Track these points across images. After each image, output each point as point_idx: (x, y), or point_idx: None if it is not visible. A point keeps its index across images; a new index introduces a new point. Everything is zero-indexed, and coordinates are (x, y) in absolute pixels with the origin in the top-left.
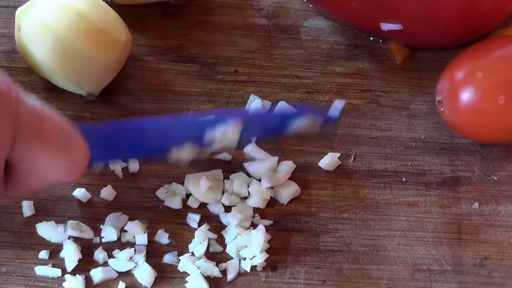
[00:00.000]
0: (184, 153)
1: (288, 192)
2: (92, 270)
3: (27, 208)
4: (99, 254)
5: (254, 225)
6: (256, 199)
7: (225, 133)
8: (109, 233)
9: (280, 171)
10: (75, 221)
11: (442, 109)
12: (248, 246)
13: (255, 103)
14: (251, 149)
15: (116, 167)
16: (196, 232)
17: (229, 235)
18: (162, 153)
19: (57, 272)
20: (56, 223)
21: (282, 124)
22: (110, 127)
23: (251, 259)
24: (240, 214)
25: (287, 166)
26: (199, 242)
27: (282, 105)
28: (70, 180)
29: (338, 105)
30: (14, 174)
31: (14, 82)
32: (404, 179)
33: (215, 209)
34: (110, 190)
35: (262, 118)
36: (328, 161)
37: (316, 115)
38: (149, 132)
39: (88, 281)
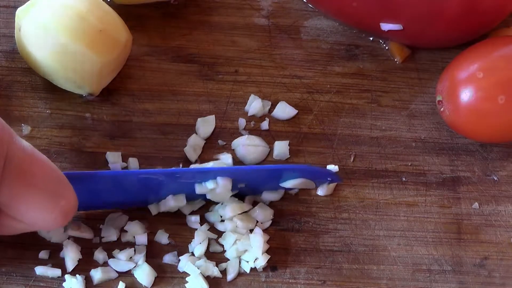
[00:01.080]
0: (172, 203)
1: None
2: (92, 270)
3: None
4: (99, 254)
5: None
6: (261, 215)
7: (215, 189)
8: (109, 233)
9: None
10: (75, 221)
11: (442, 109)
12: (249, 250)
13: (255, 103)
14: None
15: None
16: (196, 232)
17: (228, 241)
18: (146, 203)
19: (57, 272)
20: None
21: (275, 181)
22: (95, 176)
23: (254, 262)
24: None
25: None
26: (199, 242)
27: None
28: (56, 227)
29: (333, 168)
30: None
31: (6, 125)
32: (404, 179)
33: (212, 218)
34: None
35: (255, 175)
36: (326, 189)
37: (313, 175)
38: (133, 182)
39: (88, 281)
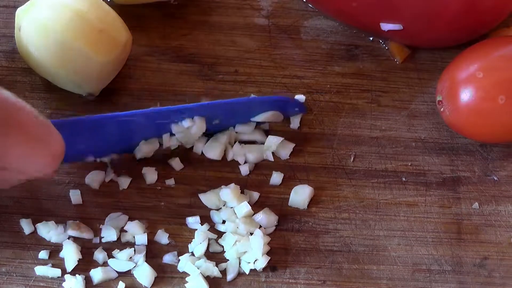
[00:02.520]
0: (150, 146)
1: (304, 197)
2: (92, 270)
3: (26, 224)
4: (99, 254)
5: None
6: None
7: (190, 126)
8: (109, 233)
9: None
10: (75, 221)
11: (442, 109)
12: (249, 251)
13: None
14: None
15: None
16: (196, 232)
17: (228, 242)
18: (129, 146)
19: (57, 272)
20: (56, 223)
21: (246, 113)
22: (76, 121)
23: (254, 263)
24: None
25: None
26: (199, 242)
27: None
28: (48, 174)
29: (300, 98)
30: None
31: None
32: (404, 179)
33: (215, 218)
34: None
35: (225, 107)
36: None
37: (280, 105)
38: (112, 125)
39: (88, 281)
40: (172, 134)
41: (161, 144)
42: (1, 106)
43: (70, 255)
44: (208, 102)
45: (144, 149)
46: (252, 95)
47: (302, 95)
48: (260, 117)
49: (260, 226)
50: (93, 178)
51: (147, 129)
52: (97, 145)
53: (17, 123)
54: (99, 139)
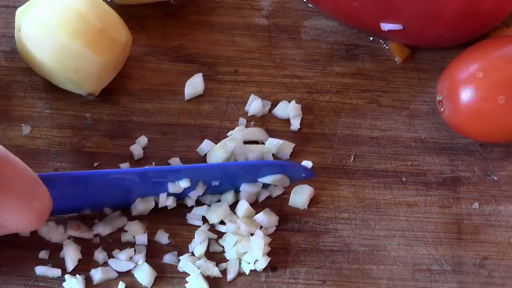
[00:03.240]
0: (146, 204)
1: (305, 197)
2: (92, 270)
3: None
4: (99, 254)
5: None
6: (265, 221)
7: (187, 187)
8: (104, 229)
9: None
10: (75, 221)
11: (442, 109)
12: (249, 252)
13: (255, 103)
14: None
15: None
16: (196, 232)
17: (228, 242)
18: (124, 202)
19: (57, 272)
20: (56, 223)
21: (250, 177)
22: (70, 177)
23: (254, 264)
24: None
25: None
26: (199, 242)
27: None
28: (32, 229)
29: (307, 164)
30: None
31: None
32: (404, 179)
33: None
34: None
35: (228, 170)
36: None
37: (288, 171)
38: (106, 182)
39: (88, 281)
40: (169, 194)
41: (157, 203)
42: None
43: (70, 255)
44: (209, 165)
45: (140, 207)
46: (252, 95)
47: (310, 162)
48: (266, 179)
49: (261, 227)
50: None
51: (142, 187)
52: (91, 200)
53: (3, 176)
54: (92, 194)
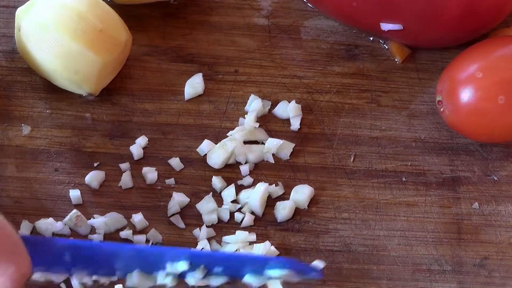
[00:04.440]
0: (136, 280)
1: (305, 197)
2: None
3: (25, 228)
4: None
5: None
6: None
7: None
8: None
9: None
10: (75, 214)
11: (442, 109)
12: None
13: (255, 103)
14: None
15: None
16: (195, 231)
17: (229, 248)
18: (116, 273)
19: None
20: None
21: (257, 269)
22: (56, 243)
23: None
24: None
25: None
26: (200, 241)
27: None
28: None
29: (318, 264)
30: None
31: None
32: (404, 179)
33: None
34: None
35: (234, 262)
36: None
37: (296, 270)
38: (100, 254)
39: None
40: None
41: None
42: None
43: None
44: (212, 253)
45: (136, 280)
46: (252, 95)
47: (321, 263)
48: (274, 273)
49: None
50: (93, 178)
51: (138, 263)
52: (81, 268)
53: None
54: (83, 263)
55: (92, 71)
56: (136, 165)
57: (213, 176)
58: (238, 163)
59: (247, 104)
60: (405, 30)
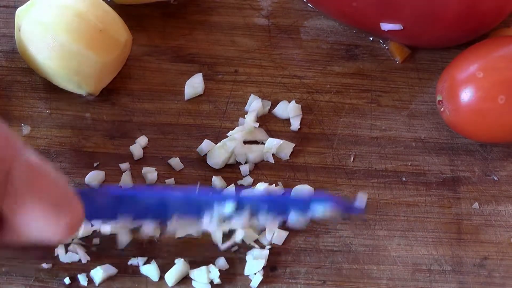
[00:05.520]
0: (185, 224)
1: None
2: (92, 270)
3: None
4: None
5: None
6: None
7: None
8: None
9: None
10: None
11: (442, 109)
12: (249, 261)
13: (255, 103)
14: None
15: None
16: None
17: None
18: (161, 218)
19: (77, 257)
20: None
21: (302, 209)
22: (111, 192)
23: (255, 274)
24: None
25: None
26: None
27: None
28: (58, 241)
29: (362, 197)
30: (3, 227)
31: (13, 140)
32: (404, 179)
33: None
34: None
35: (280, 203)
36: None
37: (339, 205)
38: (149, 200)
39: (89, 281)
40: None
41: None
42: (22, 169)
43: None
44: (258, 195)
45: (178, 226)
46: (252, 95)
47: (365, 195)
48: (317, 211)
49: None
50: (93, 178)
51: (184, 208)
52: (125, 214)
53: (35, 187)
54: (131, 210)
55: (92, 71)
56: (136, 165)
57: (213, 176)
58: (238, 163)
59: (247, 104)
60: (405, 30)
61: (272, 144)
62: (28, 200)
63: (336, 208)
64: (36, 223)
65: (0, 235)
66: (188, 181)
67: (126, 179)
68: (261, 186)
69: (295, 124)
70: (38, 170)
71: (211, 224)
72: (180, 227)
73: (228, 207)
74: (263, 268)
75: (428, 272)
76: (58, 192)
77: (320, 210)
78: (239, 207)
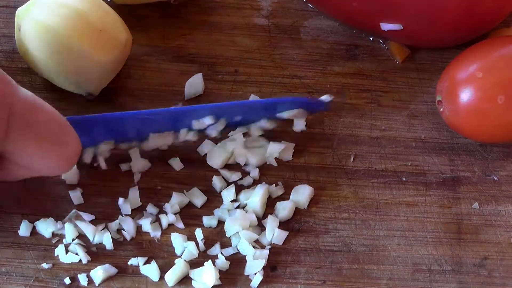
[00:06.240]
0: (165, 139)
1: (305, 197)
2: (92, 270)
3: (24, 228)
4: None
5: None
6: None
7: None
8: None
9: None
10: (75, 214)
11: (442, 109)
12: (249, 261)
13: None
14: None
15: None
16: (196, 230)
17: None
18: (142, 139)
19: (77, 258)
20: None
21: (270, 113)
22: (94, 120)
23: (255, 274)
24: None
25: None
26: (200, 239)
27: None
28: (61, 173)
29: (326, 99)
30: (4, 163)
31: (8, 78)
32: (404, 179)
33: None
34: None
35: (248, 107)
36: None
37: (303, 104)
38: (132, 123)
39: (89, 281)
40: (189, 130)
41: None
42: (21, 106)
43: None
44: (231, 103)
45: (158, 141)
46: (252, 95)
47: (329, 96)
48: (285, 114)
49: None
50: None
51: (166, 126)
52: (109, 138)
53: (34, 123)
54: (116, 134)
55: (92, 71)
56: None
57: (213, 176)
58: (238, 164)
59: None
60: (405, 30)
61: (275, 149)
62: (29, 135)
63: (301, 106)
64: (37, 158)
65: (3, 172)
66: (188, 181)
67: (133, 194)
68: (261, 187)
69: (298, 125)
70: (36, 105)
71: (188, 135)
72: (159, 140)
73: (207, 120)
74: (263, 268)
75: (428, 272)
76: (56, 126)
77: (287, 111)
78: (216, 118)
